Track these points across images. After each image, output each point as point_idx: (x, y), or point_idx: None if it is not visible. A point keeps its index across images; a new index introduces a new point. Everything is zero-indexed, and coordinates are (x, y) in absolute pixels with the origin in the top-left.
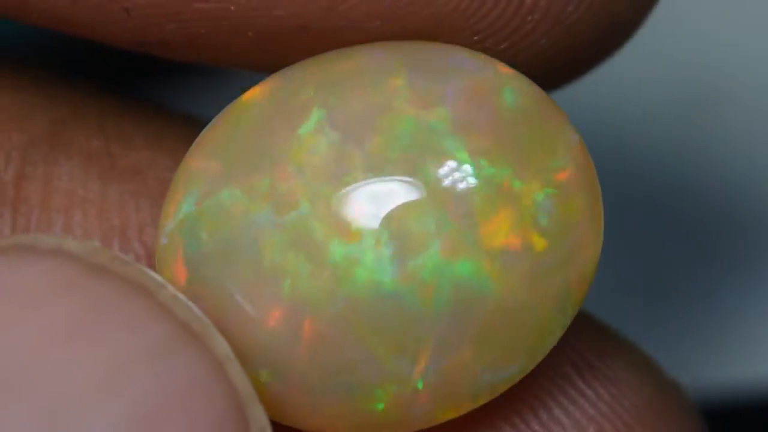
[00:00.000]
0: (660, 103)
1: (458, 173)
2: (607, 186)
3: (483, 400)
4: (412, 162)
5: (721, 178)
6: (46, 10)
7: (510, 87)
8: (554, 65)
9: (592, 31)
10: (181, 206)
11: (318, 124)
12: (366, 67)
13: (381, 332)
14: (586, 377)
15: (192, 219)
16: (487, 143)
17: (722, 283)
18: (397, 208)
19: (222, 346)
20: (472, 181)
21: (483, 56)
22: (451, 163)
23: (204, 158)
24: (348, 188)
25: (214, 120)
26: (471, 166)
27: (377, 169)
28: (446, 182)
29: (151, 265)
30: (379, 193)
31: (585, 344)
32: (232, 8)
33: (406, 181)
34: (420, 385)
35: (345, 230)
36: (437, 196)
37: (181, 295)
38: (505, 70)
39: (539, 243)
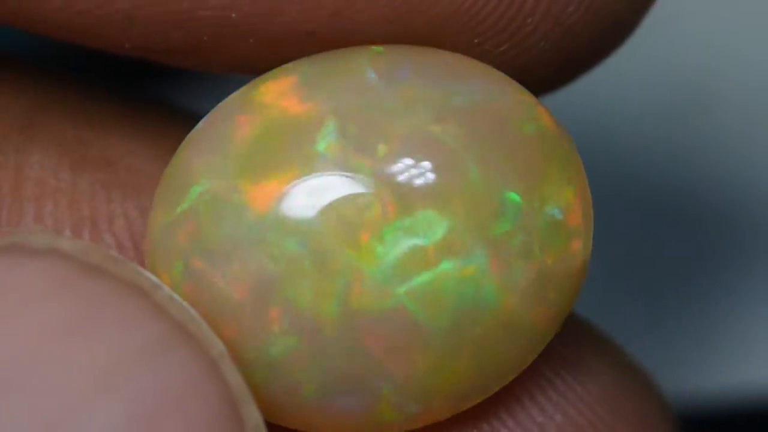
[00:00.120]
0: (655, 105)
1: (468, 189)
2: (602, 187)
3: (474, 402)
4: (424, 175)
5: (716, 178)
6: (50, 20)
7: (523, 108)
8: (553, 66)
9: (591, 31)
10: (179, 201)
11: (329, 130)
12: (380, 76)
13: (382, 340)
14: (553, 365)
15: (191, 214)
16: (502, 164)
17: (717, 284)
18: (406, 220)
19: (217, 346)
20: (481, 197)
21: (498, 74)
22: (463, 179)
23: (205, 153)
24: (358, 196)
25: (212, 115)
26: (481, 183)
27: (388, 177)
28: (457, 197)
29: (126, 255)
30: (388, 203)
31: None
32: (234, 15)
33: (415, 194)
34: (414, 390)
35: (352, 239)
36: (446, 210)
37: (176, 295)
38: (516, 88)
39: (541, 258)
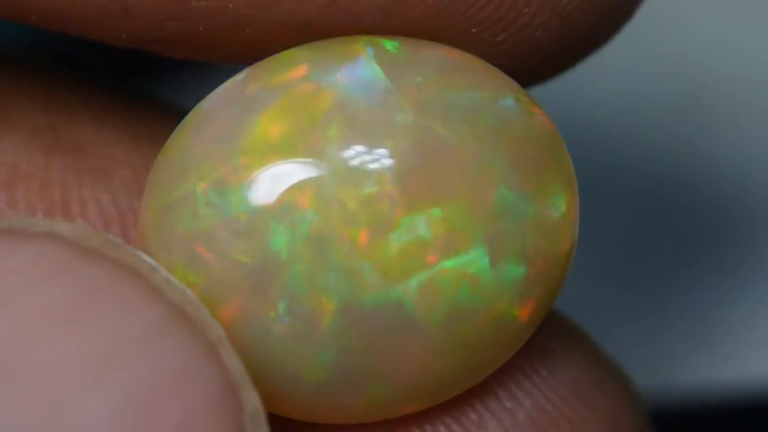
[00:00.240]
0: (647, 98)
1: (471, 189)
2: (594, 180)
3: (456, 393)
4: (427, 173)
5: (708, 172)
6: (46, 11)
7: (524, 111)
8: (550, 55)
9: (587, 20)
10: (179, 184)
11: (335, 121)
12: (394, 73)
13: (377, 333)
14: (522, 351)
15: (192, 198)
16: (502, 163)
17: (708, 278)
18: (409, 216)
19: (215, 330)
20: (483, 198)
21: (500, 73)
22: (466, 180)
23: (206, 137)
24: (363, 190)
25: (212, 99)
26: (483, 185)
27: (391, 173)
28: (460, 197)
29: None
30: (391, 198)
31: None
32: (230, 6)
33: (419, 191)
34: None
35: (355, 232)
36: (448, 208)
37: (173, 278)
38: (517, 89)
39: (533, 258)
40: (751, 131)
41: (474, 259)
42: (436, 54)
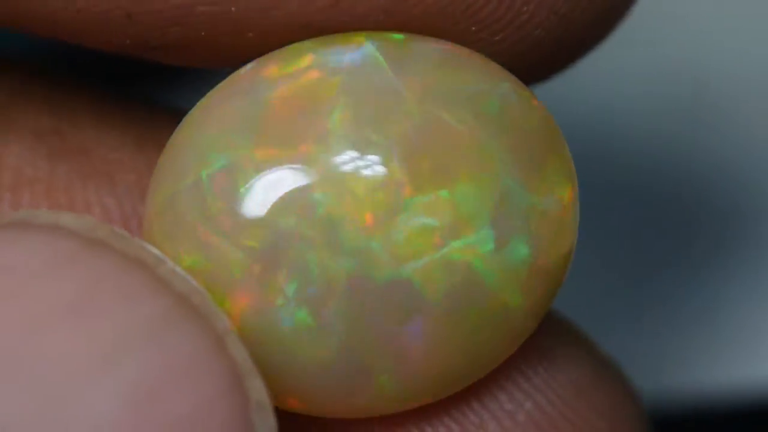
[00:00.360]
0: (649, 99)
1: (475, 176)
2: (597, 181)
3: (458, 389)
4: (432, 158)
5: (714, 174)
6: (50, 20)
7: (524, 103)
8: (548, 53)
9: (585, 18)
10: (187, 173)
11: (343, 108)
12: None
13: (385, 315)
14: (522, 353)
15: (199, 186)
16: (507, 153)
17: (708, 279)
18: (416, 200)
19: (222, 320)
20: (487, 184)
21: (498, 67)
22: (470, 166)
23: (212, 127)
24: (370, 175)
25: (219, 91)
26: (487, 171)
27: (399, 157)
28: (465, 182)
29: None
30: (399, 183)
31: None
32: (233, 9)
33: (427, 175)
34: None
35: (363, 217)
36: (456, 195)
37: (179, 269)
38: (517, 84)
39: (535, 248)
40: (754, 130)
41: (480, 241)
42: (437, 47)
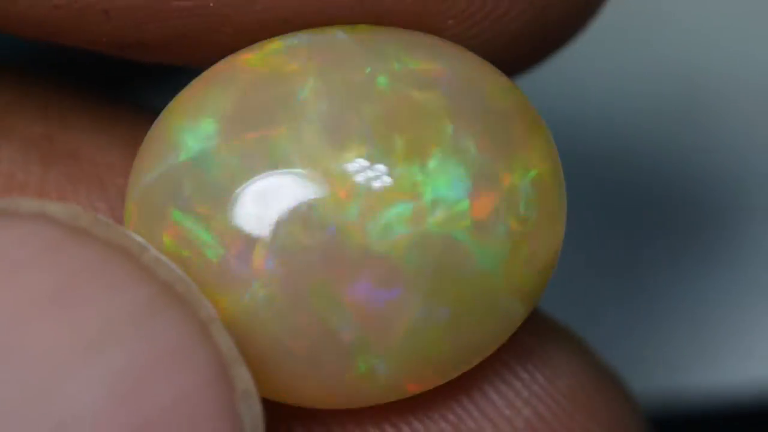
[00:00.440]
0: (645, 100)
1: (450, 151)
2: (593, 183)
3: (452, 376)
4: (407, 135)
5: (711, 175)
6: (28, 18)
7: (498, 82)
8: (525, 46)
9: (562, 11)
10: (162, 160)
11: (315, 90)
12: (363, 46)
13: (362, 285)
14: (520, 359)
15: (176, 173)
16: (479, 130)
17: (705, 281)
18: (391, 175)
19: (206, 308)
20: (462, 159)
21: (470, 53)
22: (444, 142)
23: (190, 116)
24: (345, 153)
25: (196, 81)
26: (461, 147)
27: (375, 137)
28: (441, 158)
29: None
30: (375, 159)
31: (520, 328)
32: (211, 5)
33: (400, 152)
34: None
35: (337, 194)
36: (432, 170)
37: (163, 257)
38: (490, 67)
39: (517, 228)
40: (751, 130)
41: (459, 215)
42: (408, 34)
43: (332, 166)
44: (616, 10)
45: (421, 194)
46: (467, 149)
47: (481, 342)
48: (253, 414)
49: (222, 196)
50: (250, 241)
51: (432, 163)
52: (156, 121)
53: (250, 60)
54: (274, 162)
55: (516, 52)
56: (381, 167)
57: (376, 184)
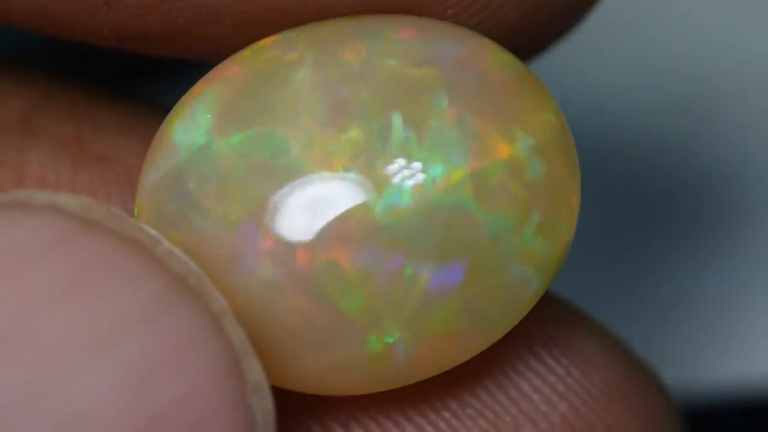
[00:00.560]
0: (648, 95)
1: (446, 122)
2: (598, 177)
3: (469, 354)
4: (404, 111)
5: (716, 171)
6: (28, 9)
7: (497, 56)
8: (523, 37)
9: (561, 1)
10: (168, 155)
11: (310, 74)
12: (357, 29)
13: (369, 260)
14: (555, 355)
15: (179, 168)
16: (476, 101)
17: (711, 275)
18: (390, 150)
19: (218, 301)
20: (459, 129)
21: (470, 31)
22: (442, 115)
23: (190, 114)
24: (343, 133)
25: (199, 81)
26: (458, 118)
27: (372, 116)
28: (438, 130)
29: None
30: (375, 137)
31: (554, 323)
32: None
33: (398, 128)
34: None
35: (338, 171)
36: (429, 142)
37: (176, 250)
38: (488, 42)
39: (523, 196)
40: (753, 127)
41: (458, 184)
42: (403, 17)
43: (331, 147)
44: (618, 5)
45: (420, 166)
46: (464, 119)
47: (498, 313)
48: (265, 407)
49: (224, 188)
50: (254, 227)
51: (429, 135)
52: (169, 115)
53: (246, 54)
54: (273, 149)
55: (515, 43)
56: (379, 144)
57: (376, 161)
